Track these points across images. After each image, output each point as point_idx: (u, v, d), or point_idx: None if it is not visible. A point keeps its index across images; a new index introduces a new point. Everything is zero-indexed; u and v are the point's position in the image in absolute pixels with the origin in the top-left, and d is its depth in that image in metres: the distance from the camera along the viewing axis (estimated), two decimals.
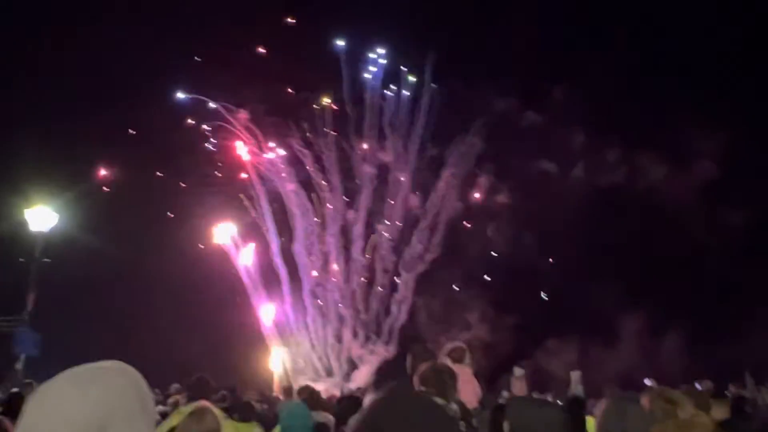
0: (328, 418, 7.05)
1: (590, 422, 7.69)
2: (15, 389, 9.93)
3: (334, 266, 31.63)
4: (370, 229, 32.04)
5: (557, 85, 30.43)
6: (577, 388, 11.62)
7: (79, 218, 25.21)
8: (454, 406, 3.90)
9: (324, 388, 22.29)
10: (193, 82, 30.83)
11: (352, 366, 30.34)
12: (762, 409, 8.00)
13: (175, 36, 28.52)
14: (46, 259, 21.38)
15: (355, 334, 30.62)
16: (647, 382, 17.57)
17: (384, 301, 31.37)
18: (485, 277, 30.29)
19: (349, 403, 8.82)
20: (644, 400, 3.82)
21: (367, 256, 31.71)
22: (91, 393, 1.46)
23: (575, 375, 11.32)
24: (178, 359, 20.48)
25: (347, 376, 29.37)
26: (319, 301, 31.34)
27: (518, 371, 13.87)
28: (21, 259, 21.27)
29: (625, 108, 28.42)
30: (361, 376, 28.69)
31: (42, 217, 21.45)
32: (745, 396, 11.29)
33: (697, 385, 14.97)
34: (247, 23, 29.35)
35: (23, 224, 21.54)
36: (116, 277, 27.70)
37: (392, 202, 32.28)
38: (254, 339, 30.56)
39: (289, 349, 30.27)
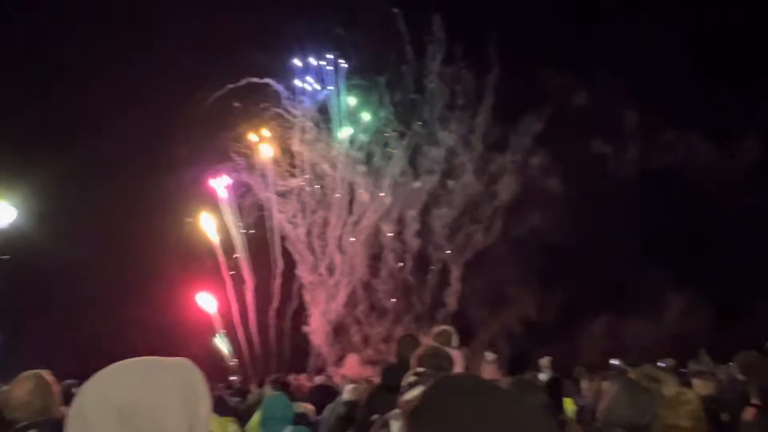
0: (308, 408, 6.99)
1: (567, 403, 7.79)
2: None
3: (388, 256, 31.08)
4: (424, 218, 31.28)
5: (609, 63, 29.60)
6: (546, 372, 11.85)
7: (39, 213, 24.55)
8: None
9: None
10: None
11: None
12: (730, 384, 8.22)
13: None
14: (5, 256, 20.82)
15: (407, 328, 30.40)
16: (613, 362, 18.02)
17: (437, 290, 30.85)
18: (534, 259, 29.73)
19: (323, 392, 8.79)
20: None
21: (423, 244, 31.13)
22: (150, 382, 1.46)
23: (544, 361, 11.57)
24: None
25: None
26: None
27: (490, 356, 14.09)
28: None
29: (673, 85, 28.64)
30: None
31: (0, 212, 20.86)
32: (703, 371, 11.73)
33: (660, 363, 15.44)
34: None
35: None
36: (78, 274, 27.01)
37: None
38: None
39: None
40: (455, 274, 30.85)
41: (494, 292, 30.11)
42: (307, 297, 30.83)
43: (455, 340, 6.31)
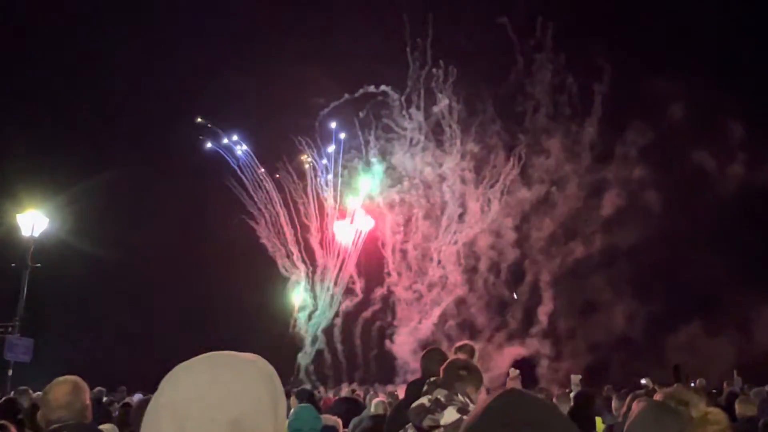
0: (337, 421, 6.96)
1: (598, 422, 7.64)
2: (10, 395, 9.79)
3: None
4: (521, 232, 30.53)
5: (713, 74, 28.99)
6: (575, 390, 11.68)
7: (71, 222, 24.98)
8: (460, 398, 3.88)
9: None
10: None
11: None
12: (764, 405, 8.03)
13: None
14: (37, 264, 21.19)
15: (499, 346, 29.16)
16: (643, 381, 17.74)
17: (530, 305, 30.00)
18: (629, 273, 28.80)
19: (348, 404, 8.76)
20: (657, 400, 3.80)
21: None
22: (224, 376, 1.44)
23: (575, 378, 11.44)
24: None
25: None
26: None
27: (513, 372, 14.01)
28: (12, 264, 21.06)
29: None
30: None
31: (33, 221, 21.25)
32: (736, 392, 11.54)
33: (692, 383, 15.18)
34: None
35: (15, 229, 21.35)
36: (108, 281, 27.38)
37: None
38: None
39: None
40: (549, 292, 29.97)
41: (586, 306, 29.26)
42: (398, 312, 30.37)
43: (477, 356, 6.23)
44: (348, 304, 30.78)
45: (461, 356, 5.48)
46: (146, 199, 28.74)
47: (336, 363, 30.44)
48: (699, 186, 28.97)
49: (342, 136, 31.82)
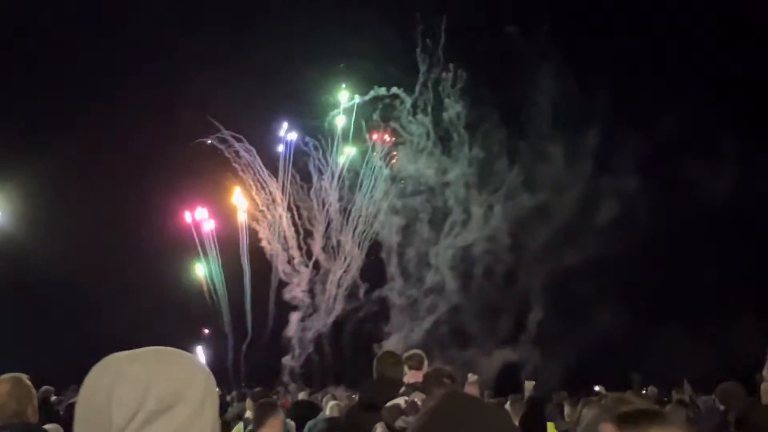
0: (290, 424, 6.95)
1: (550, 427, 7.78)
2: None
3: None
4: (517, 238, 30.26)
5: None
6: (528, 395, 11.88)
7: (18, 214, 24.27)
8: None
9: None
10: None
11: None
12: (709, 413, 8.31)
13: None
14: None
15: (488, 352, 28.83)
16: (597, 388, 18.10)
17: (521, 312, 29.67)
18: (617, 282, 28.48)
19: (304, 407, 8.73)
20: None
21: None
22: (175, 367, 1.45)
23: (529, 384, 11.69)
24: None
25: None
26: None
27: (471, 377, 14.16)
28: None
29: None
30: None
31: None
32: (685, 400, 11.89)
33: (644, 391, 15.61)
34: None
35: None
36: (57, 275, 26.59)
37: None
38: None
39: None
40: (539, 299, 29.98)
41: (573, 313, 29.25)
42: (392, 317, 30.05)
43: (426, 365, 6.19)
44: (344, 307, 30.55)
45: (407, 367, 5.44)
46: (118, 197, 28.10)
47: (323, 366, 30.23)
48: (689, 197, 29.16)
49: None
